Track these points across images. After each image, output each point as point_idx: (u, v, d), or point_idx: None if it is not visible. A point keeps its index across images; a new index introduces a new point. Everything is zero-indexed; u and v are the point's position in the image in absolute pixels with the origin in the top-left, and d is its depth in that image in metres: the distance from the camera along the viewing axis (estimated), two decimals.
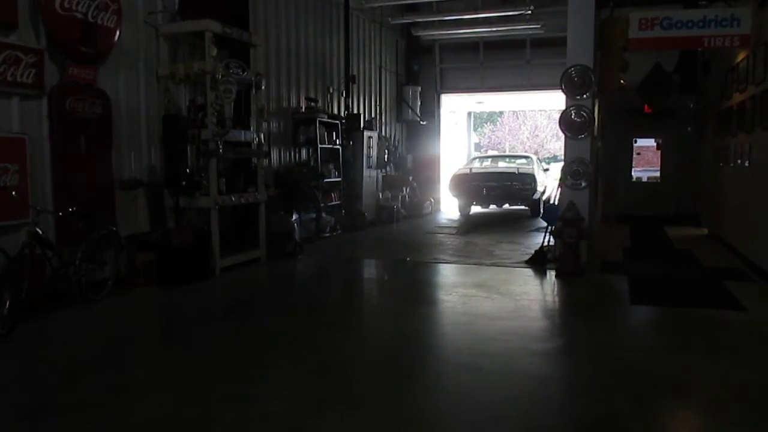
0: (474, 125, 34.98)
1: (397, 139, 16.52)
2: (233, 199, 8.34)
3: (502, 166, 16.49)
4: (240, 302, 6.85)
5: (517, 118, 39.01)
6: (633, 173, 15.33)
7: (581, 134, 8.27)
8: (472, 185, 14.94)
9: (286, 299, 6.97)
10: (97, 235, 6.62)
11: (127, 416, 3.69)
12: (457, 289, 7.40)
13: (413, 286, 7.78)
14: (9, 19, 6.06)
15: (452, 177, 15.60)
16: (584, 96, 8.18)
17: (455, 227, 13.15)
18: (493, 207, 16.48)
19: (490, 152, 20.44)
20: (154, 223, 7.86)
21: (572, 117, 8.30)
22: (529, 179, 14.74)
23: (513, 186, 14.56)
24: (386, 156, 15.11)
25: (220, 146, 7.90)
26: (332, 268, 9.07)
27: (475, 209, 16.54)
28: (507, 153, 24.32)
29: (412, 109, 16.49)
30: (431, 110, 17.15)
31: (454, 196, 15.85)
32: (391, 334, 5.46)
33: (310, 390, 4.09)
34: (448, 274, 8.33)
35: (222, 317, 6.06)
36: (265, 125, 10.22)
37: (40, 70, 6.33)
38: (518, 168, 15.74)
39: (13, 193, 5.74)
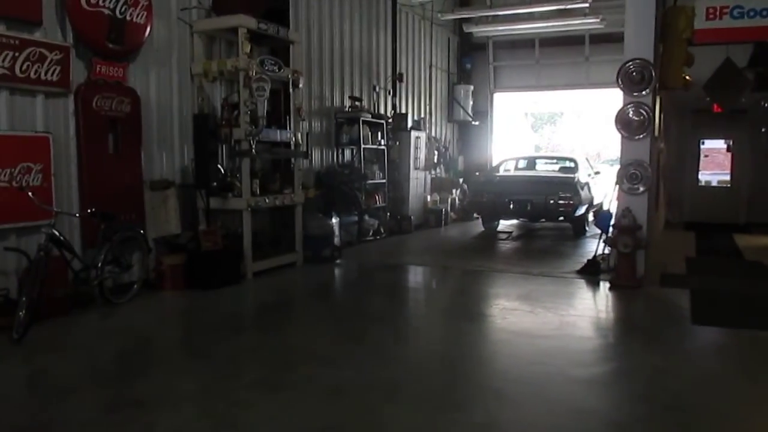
0: (534, 126, 34.15)
1: (447, 140, 15.99)
2: (267, 200, 8.04)
3: (537, 171, 13.31)
4: (265, 310, 6.52)
5: (578, 119, 37.76)
6: (700, 177, 14.30)
7: (639, 134, 7.58)
8: (494, 197, 11.46)
9: (314, 308, 6.62)
10: (121, 237, 6.42)
11: None
12: (499, 300, 6.88)
13: (450, 297, 7.30)
14: (33, 16, 5.92)
15: (470, 186, 13.13)
16: (643, 93, 7.48)
17: (506, 232, 12.51)
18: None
19: (525, 153, 16.16)
20: (185, 226, 7.64)
21: (630, 115, 7.61)
22: (569, 189, 11.02)
23: (548, 199, 10.93)
24: (435, 157, 14.64)
25: (253, 146, 7.60)
26: (369, 275, 8.66)
27: None
28: (546, 154, 17.17)
29: (463, 109, 15.92)
30: (484, 110, 16.53)
31: (471, 210, 13.19)
32: (418, 353, 5.00)
33: (311, 418, 3.68)
34: (490, 283, 7.79)
35: (242, 326, 5.74)
36: (305, 125, 9.93)
37: (66, 67, 6.17)
38: (556, 175, 12.26)
39: (30, 194, 5.56)
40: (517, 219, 12.88)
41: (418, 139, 13.05)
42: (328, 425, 3.57)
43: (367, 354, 4.92)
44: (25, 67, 5.80)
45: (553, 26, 14.65)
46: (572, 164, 12.46)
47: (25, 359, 4.79)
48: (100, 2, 6.41)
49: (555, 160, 13.41)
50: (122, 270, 6.57)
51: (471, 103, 16.13)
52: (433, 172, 14.37)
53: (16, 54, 5.71)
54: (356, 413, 3.76)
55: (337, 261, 9.11)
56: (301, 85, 8.66)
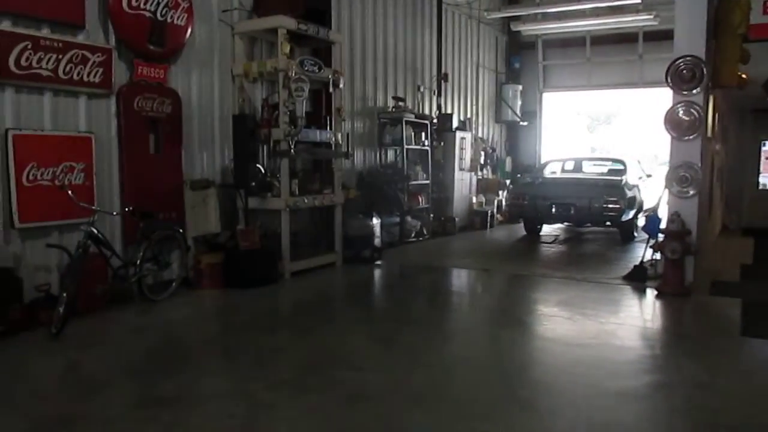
0: (590, 126, 33.30)
1: (494, 140, 15.73)
2: (306, 201, 8.04)
3: (582, 174, 12.60)
4: (299, 310, 6.52)
5: (634, 119, 36.68)
6: (760, 180, 13.61)
7: (690, 135, 7.23)
8: (535, 201, 10.96)
9: (349, 309, 6.58)
10: (159, 235, 6.52)
11: None
12: (537, 306, 6.68)
13: (488, 302, 7.15)
14: (76, 19, 6.07)
15: (510, 190, 12.76)
16: (694, 91, 7.14)
17: (553, 235, 12.18)
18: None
19: (572, 155, 14.77)
20: (225, 225, 7.71)
21: (679, 115, 7.28)
22: (615, 192, 10.38)
23: (592, 203, 10.32)
24: (482, 158, 14.41)
25: (292, 146, 7.61)
26: (408, 277, 8.56)
27: None
28: (594, 155, 15.87)
29: (511, 109, 15.64)
30: (533, 110, 16.19)
31: (512, 214, 12.92)
32: (449, 359, 4.87)
33: (329, 422, 3.62)
34: (531, 288, 7.57)
35: (274, 326, 5.73)
36: (346, 125, 9.91)
37: (108, 69, 6.31)
38: (602, 177, 11.64)
39: (70, 192, 5.69)
40: (560, 223, 12.27)
41: (464, 140, 12.87)
42: (343, 430, 3.50)
43: (397, 358, 4.83)
44: (68, 68, 5.95)
45: (604, 23, 14.20)
46: (621, 166, 11.76)
47: (60, 353, 4.90)
48: (142, 4, 6.52)
49: (603, 162, 12.68)
50: (160, 268, 6.67)
51: (519, 103, 15.82)
52: (479, 173, 14.14)
53: (60, 56, 5.87)
54: (375, 420, 3.68)
55: (377, 262, 9.04)
56: (341, 86, 8.63)
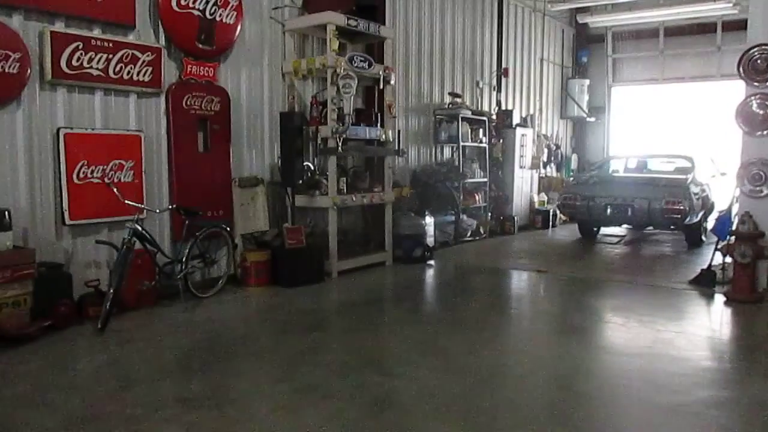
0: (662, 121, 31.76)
1: (560, 137, 15.19)
2: (354, 199, 7.95)
3: (643, 172, 11.59)
4: (340, 310, 6.43)
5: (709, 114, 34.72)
6: None
7: (765, 130, 6.70)
8: (589, 201, 10.08)
9: (392, 310, 6.44)
10: (205, 233, 6.57)
11: None
12: (591, 312, 6.32)
13: (538, 306, 6.84)
14: (126, 19, 6.18)
15: (564, 189, 11.72)
16: None
17: (619, 235, 11.61)
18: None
19: (637, 152, 13.22)
20: (274, 223, 7.72)
21: (753, 109, 6.75)
22: (678, 192, 9.43)
23: (652, 204, 9.46)
24: (545, 156, 13.96)
25: (339, 143, 7.53)
26: (459, 278, 8.33)
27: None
28: (660, 152, 13.00)
29: (578, 105, 15.05)
30: (601, 105, 15.54)
31: (564, 214, 12.12)
32: (487, 365, 4.63)
33: (346, 430, 3.49)
34: (588, 292, 7.19)
35: (313, 326, 5.64)
36: (400, 122, 9.79)
37: (158, 67, 6.40)
38: (664, 176, 10.60)
39: (115, 189, 5.81)
40: (617, 226, 11.42)
41: (524, 137, 12.48)
42: None
43: (433, 363, 4.64)
44: (118, 68, 6.07)
45: (679, 13, 13.46)
46: (688, 164, 10.67)
47: (101, 349, 4.98)
48: (191, 4, 6.59)
49: (670, 159, 11.62)
50: (207, 265, 6.74)
51: (587, 98, 15.22)
52: (542, 171, 13.70)
53: (110, 56, 5.99)
54: (393, 429, 3.51)
55: (429, 262, 8.86)
56: (392, 82, 8.48)
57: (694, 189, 9.67)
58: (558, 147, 14.76)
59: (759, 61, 6.64)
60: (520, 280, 8.06)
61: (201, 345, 5.09)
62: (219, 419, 3.63)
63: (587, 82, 15.17)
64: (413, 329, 5.62)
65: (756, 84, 6.70)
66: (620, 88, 15.53)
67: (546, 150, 14.08)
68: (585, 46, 15.38)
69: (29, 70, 5.43)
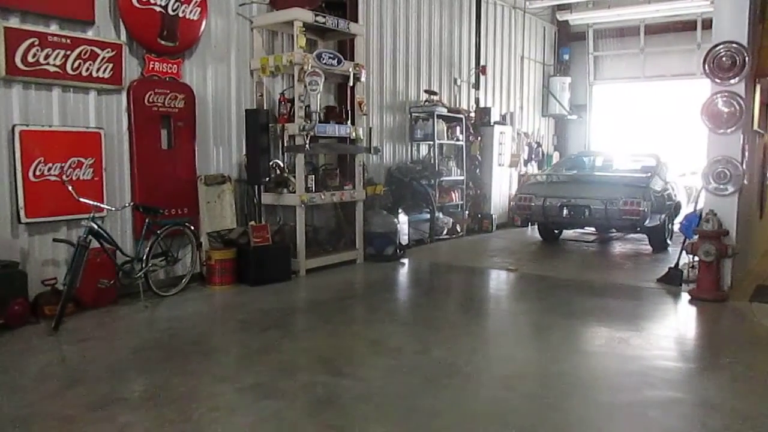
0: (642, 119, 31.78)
1: (541, 135, 15.18)
2: (323, 197, 7.91)
3: (603, 171, 10.94)
4: (300, 310, 6.38)
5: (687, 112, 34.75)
6: None
7: (729, 127, 6.68)
8: (544, 202, 9.48)
9: (352, 309, 6.39)
10: (167, 231, 6.52)
11: None
12: (552, 310, 6.26)
13: (500, 304, 6.80)
14: (85, 15, 6.11)
15: (518, 189, 10.93)
16: (733, 81, 6.58)
17: (594, 234, 11.59)
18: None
19: (602, 149, 13.63)
20: (244, 221, 7.68)
21: (718, 106, 6.73)
22: (637, 192, 8.91)
23: (609, 205, 8.89)
24: (526, 153, 13.96)
25: (307, 141, 7.49)
26: (428, 277, 8.30)
27: None
28: (624, 151, 12.88)
29: (559, 103, 15.05)
30: (583, 103, 15.54)
31: (518, 216, 11.64)
32: (432, 367, 4.58)
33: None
34: (554, 290, 7.13)
35: (271, 325, 5.58)
36: (373, 119, 9.77)
37: (118, 64, 6.34)
38: (623, 175, 10.04)
39: (70, 187, 5.74)
40: (575, 229, 11.02)
41: (503, 135, 12.45)
42: None
43: (383, 362, 4.62)
44: (76, 64, 6.01)
45: (660, 11, 13.49)
46: (653, 164, 10.12)
47: (50, 348, 4.93)
48: (151, 0, 6.52)
49: (638, 158, 11.10)
50: (169, 263, 6.69)
51: (568, 96, 15.23)
52: (523, 168, 13.68)
53: (68, 52, 5.93)
54: (328, 430, 3.48)
55: (401, 260, 8.84)
56: (363, 79, 8.43)
57: (656, 189, 9.23)
58: (539, 145, 14.75)
59: (724, 59, 6.62)
60: (488, 279, 8.03)
61: (153, 344, 5.04)
62: (154, 420, 3.59)
63: (569, 79, 15.18)
64: (370, 328, 5.60)
65: (719, 81, 6.67)
66: (602, 86, 15.55)
67: (527, 148, 14.09)
68: (566, 44, 15.39)
69: None
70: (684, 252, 7.08)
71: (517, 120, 13.73)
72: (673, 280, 7.24)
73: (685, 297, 6.70)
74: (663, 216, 9.40)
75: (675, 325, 6.00)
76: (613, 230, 10.48)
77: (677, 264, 7.38)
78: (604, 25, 14.84)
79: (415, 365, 4.58)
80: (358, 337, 5.31)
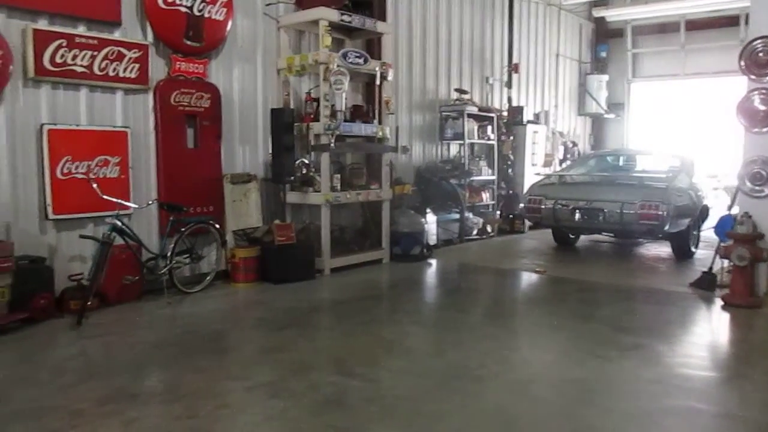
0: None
1: (577, 134, 14.89)
2: (348, 196, 7.90)
3: (620, 172, 10.11)
4: (320, 309, 6.35)
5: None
6: None
7: (766, 126, 6.42)
8: (556, 204, 8.80)
9: (372, 309, 6.32)
10: (191, 228, 6.59)
11: None
12: (576, 313, 6.10)
13: (524, 307, 6.66)
14: (112, 17, 6.23)
15: (528, 190, 9.90)
16: None
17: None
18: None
19: (623, 149, 13.13)
20: (267, 219, 7.72)
21: (755, 104, 6.48)
22: (657, 195, 8.12)
23: (626, 209, 8.15)
24: (561, 153, 13.70)
25: (332, 140, 7.49)
26: (454, 277, 8.20)
27: None
28: (653, 150, 12.41)
29: (596, 101, 14.73)
30: (621, 102, 15.18)
31: (528, 219, 10.67)
32: (445, 369, 4.51)
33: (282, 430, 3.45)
34: (581, 293, 6.97)
35: (288, 324, 5.58)
36: (402, 118, 9.73)
37: (145, 64, 6.45)
38: (643, 176, 9.19)
39: (95, 185, 5.85)
40: (589, 234, 10.09)
41: (536, 134, 12.23)
42: None
43: (395, 363, 4.59)
44: (103, 65, 6.13)
45: (701, 6, 13.06)
46: (677, 165, 9.37)
47: (71, 342, 5.05)
48: (177, 1, 6.60)
49: (665, 158, 10.29)
50: (194, 260, 6.77)
51: (605, 94, 14.89)
52: (557, 168, 13.41)
53: (95, 53, 6.05)
54: (331, 430, 3.46)
55: (428, 260, 8.77)
56: (390, 78, 8.39)
57: (679, 191, 8.47)
58: (575, 144, 14.45)
59: (761, 54, 6.37)
60: (514, 281, 7.90)
61: (171, 340, 5.11)
62: (161, 415, 3.62)
63: (606, 77, 14.84)
64: (387, 329, 5.55)
65: (755, 78, 6.42)
66: (640, 84, 15.15)
67: (562, 147, 13.81)
68: (604, 41, 15.05)
69: (11, 68, 5.51)
70: (717, 256, 6.82)
71: (552, 119, 13.50)
72: (706, 285, 6.99)
73: (718, 302, 6.45)
74: (688, 221, 8.61)
75: (703, 332, 5.79)
76: (633, 237, 9.71)
77: (711, 268, 7.12)
78: (643, 21, 14.45)
79: (428, 367, 4.52)
80: (374, 337, 5.26)
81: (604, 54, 15.03)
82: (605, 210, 8.36)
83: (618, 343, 5.09)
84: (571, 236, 10.22)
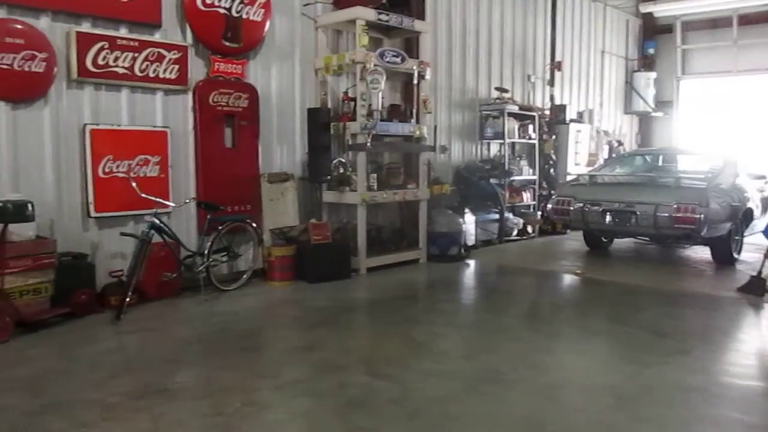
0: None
1: (623, 133, 14.52)
2: (385, 195, 7.88)
3: (654, 173, 9.42)
4: (353, 308, 6.32)
5: None
6: None
7: None
8: (585, 205, 8.41)
9: (406, 309, 6.27)
10: (227, 227, 6.67)
11: None
12: (614, 317, 5.92)
13: (560, 309, 6.48)
14: (152, 19, 6.36)
15: (557, 191, 9.57)
16: None
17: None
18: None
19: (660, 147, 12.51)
20: (304, 218, 7.76)
21: None
22: (693, 196, 7.65)
23: (660, 211, 7.73)
24: (606, 152, 13.38)
25: (368, 140, 7.48)
26: (491, 278, 8.09)
27: None
28: (682, 149, 12.07)
29: (643, 99, 14.34)
30: (669, 100, 14.74)
31: (556, 222, 10.26)
32: (475, 372, 4.43)
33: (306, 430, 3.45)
34: (622, 297, 6.79)
35: (319, 323, 5.59)
36: (445, 118, 9.69)
37: (184, 65, 6.57)
38: (679, 177, 8.51)
39: (134, 184, 5.99)
40: (620, 237, 9.53)
41: (580, 133, 12.00)
42: None
43: (425, 365, 4.51)
44: (144, 66, 6.26)
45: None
46: (718, 164, 8.85)
47: (109, 337, 5.17)
48: (216, 2, 6.70)
49: (706, 157, 9.76)
50: (231, 259, 6.86)
51: (653, 92, 14.49)
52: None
53: (136, 55, 6.19)
54: (354, 431, 3.45)
55: (466, 260, 8.68)
56: (428, 77, 8.34)
57: (718, 193, 7.87)
58: (621, 143, 14.10)
59: None
60: (552, 283, 7.74)
61: (205, 337, 5.18)
62: (188, 412, 3.67)
63: (654, 75, 14.45)
64: (419, 330, 5.50)
65: None
66: (690, 81, 14.69)
67: (607, 147, 13.50)
68: (651, 37, 14.64)
69: (55, 69, 5.69)
70: (767, 260, 6.54)
71: (596, 117, 13.21)
72: (754, 290, 6.70)
73: None
74: (729, 225, 8.02)
75: (750, 339, 5.54)
76: (668, 241, 9.10)
77: (760, 272, 6.83)
78: (693, 16, 13.99)
79: (457, 370, 4.46)
80: (405, 338, 5.21)
81: (651, 51, 14.63)
82: (637, 212, 7.93)
83: (657, 349, 4.93)
84: (604, 239, 9.70)
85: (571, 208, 8.54)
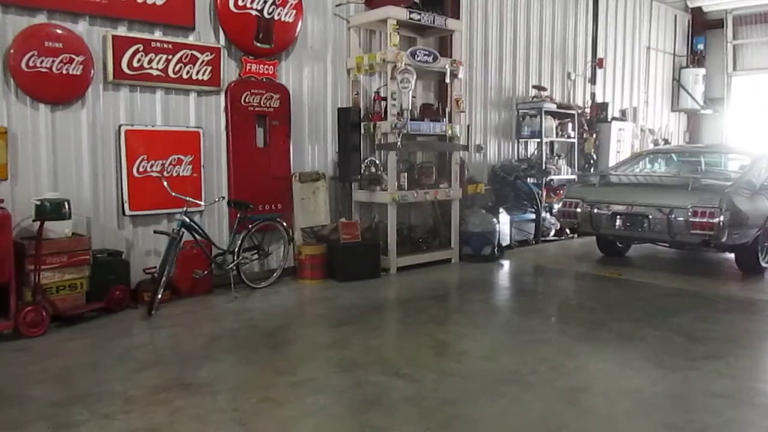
0: None
1: (669, 131, 14.11)
2: (415, 195, 7.86)
3: (674, 173, 8.82)
4: (379, 307, 6.30)
5: None
6: None
7: None
8: (593, 208, 7.84)
9: (433, 309, 6.23)
10: (258, 225, 6.77)
11: None
12: (644, 321, 5.74)
13: (590, 311, 6.32)
14: (186, 22, 6.50)
15: (565, 192, 8.95)
16: None
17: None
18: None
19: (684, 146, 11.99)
20: (335, 217, 7.81)
21: None
22: (713, 199, 6.95)
23: (674, 215, 7.11)
24: None
25: (399, 139, 7.47)
26: (524, 279, 7.98)
27: None
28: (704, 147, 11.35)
29: (691, 96, 13.90)
30: (719, 96, 14.24)
31: (563, 225, 9.69)
32: (493, 373, 4.38)
33: (317, 427, 3.46)
34: (653, 299, 6.58)
35: (343, 322, 5.60)
36: (480, 116, 9.62)
37: (217, 67, 6.69)
38: (698, 177, 7.86)
39: (165, 183, 6.13)
40: (634, 242, 8.74)
41: (622, 131, 11.72)
42: None
43: (444, 365, 4.50)
44: (177, 68, 6.41)
45: None
46: (746, 162, 8.20)
47: (139, 332, 5.32)
48: (248, 4, 6.81)
49: (734, 156, 9.14)
50: (261, 257, 6.96)
51: (702, 89, 14.02)
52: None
53: (170, 57, 6.34)
54: (367, 429, 3.44)
55: (499, 261, 8.58)
56: (460, 76, 8.28)
57: (744, 195, 7.21)
58: (667, 141, 13.71)
59: None
60: (586, 283, 7.58)
61: (231, 333, 5.27)
62: (206, 406, 3.74)
63: (703, 71, 13.98)
64: (443, 329, 5.47)
65: None
66: (742, 77, 14.14)
67: (652, 145, 13.14)
68: (701, 33, 14.16)
69: (92, 72, 5.88)
70: None
71: (641, 115, 12.88)
72: None
73: None
74: (755, 231, 7.30)
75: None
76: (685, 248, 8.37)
77: None
78: (745, 10, 13.47)
79: (476, 370, 4.42)
80: (428, 338, 5.18)
81: (701, 46, 14.16)
82: (650, 216, 7.31)
83: (687, 353, 4.77)
84: (619, 244, 8.92)
85: (578, 211, 7.98)
